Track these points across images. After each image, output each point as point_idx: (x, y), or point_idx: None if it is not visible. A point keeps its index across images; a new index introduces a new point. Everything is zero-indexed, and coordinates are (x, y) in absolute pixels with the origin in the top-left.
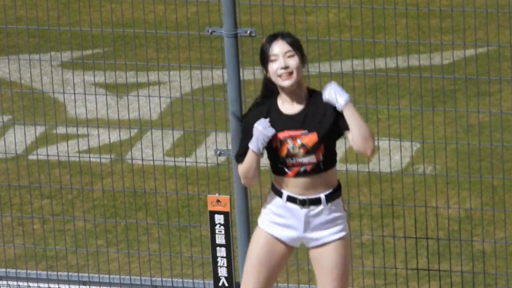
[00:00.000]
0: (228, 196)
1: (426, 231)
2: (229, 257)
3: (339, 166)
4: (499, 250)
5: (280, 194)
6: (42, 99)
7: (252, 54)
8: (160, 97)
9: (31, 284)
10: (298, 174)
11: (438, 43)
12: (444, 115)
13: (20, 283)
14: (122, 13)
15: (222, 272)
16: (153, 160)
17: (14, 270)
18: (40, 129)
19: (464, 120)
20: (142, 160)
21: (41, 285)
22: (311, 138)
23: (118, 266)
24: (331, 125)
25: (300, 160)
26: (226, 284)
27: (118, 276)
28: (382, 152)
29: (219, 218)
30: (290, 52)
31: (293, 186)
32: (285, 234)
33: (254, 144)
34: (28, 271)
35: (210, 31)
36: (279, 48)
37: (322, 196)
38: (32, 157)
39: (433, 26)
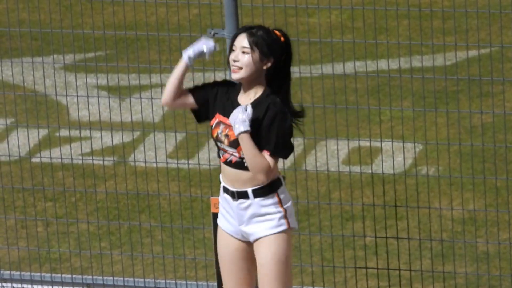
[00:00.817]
0: None
1: (430, 233)
2: None
3: (342, 168)
4: (503, 252)
5: (220, 183)
6: (45, 102)
7: None
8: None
9: (35, 287)
10: (226, 162)
11: (440, 44)
12: (447, 116)
13: (24, 286)
14: (124, 16)
15: None
16: (156, 162)
17: (18, 273)
18: (43, 132)
19: (467, 121)
20: (145, 162)
21: (45, 287)
22: (233, 133)
23: (121, 269)
24: (257, 131)
25: (226, 148)
26: None
27: (121, 278)
28: (385, 154)
29: None
30: (246, 49)
31: (226, 175)
32: (228, 227)
33: (188, 49)
34: (32, 274)
35: (212, 33)
36: (239, 41)
37: (249, 190)
38: (35, 159)
39: (435, 27)
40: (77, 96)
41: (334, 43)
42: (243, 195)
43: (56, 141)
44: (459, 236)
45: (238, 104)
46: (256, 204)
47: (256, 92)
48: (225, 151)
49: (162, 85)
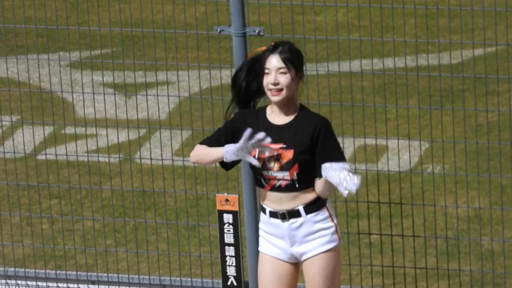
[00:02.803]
0: (237, 196)
1: (435, 231)
2: (237, 256)
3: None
4: (508, 249)
5: (264, 210)
6: (50, 99)
7: None
8: (168, 96)
9: (40, 284)
10: (273, 189)
11: (446, 43)
12: (453, 115)
13: (29, 283)
14: (131, 13)
15: (231, 271)
16: (162, 160)
17: (23, 270)
18: (48, 129)
19: (473, 120)
20: (151, 159)
21: (50, 284)
22: (287, 154)
23: (127, 266)
24: (311, 148)
25: (274, 174)
26: (235, 283)
27: (126, 276)
28: (391, 152)
29: (227, 217)
30: (283, 69)
31: (272, 200)
32: (278, 251)
33: (230, 152)
34: (37, 271)
35: (218, 30)
36: (274, 63)
37: (301, 207)
38: (41, 157)
39: (441, 25)
40: (83, 93)
41: (341, 41)
42: (294, 214)
43: (62, 138)
44: (464, 234)
45: (275, 126)
46: (309, 221)
47: (292, 110)
48: (272, 178)
49: (168, 83)
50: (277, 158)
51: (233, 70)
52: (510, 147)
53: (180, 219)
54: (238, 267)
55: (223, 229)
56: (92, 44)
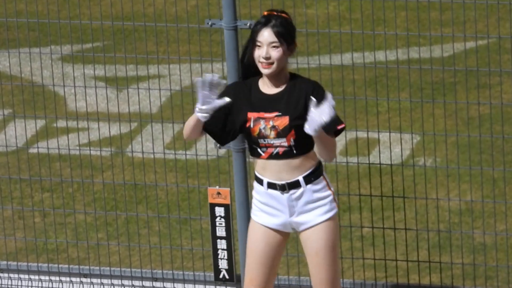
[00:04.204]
0: (229, 189)
1: (427, 224)
2: (229, 249)
3: (339, 159)
4: (500, 243)
5: (261, 182)
6: (42, 93)
7: None
8: (160, 90)
9: (32, 277)
10: (271, 157)
11: (438, 36)
12: (444, 108)
13: (21, 276)
14: (122, 7)
15: (223, 264)
16: (153, 153)
17: (15, 263)
18: (40, 123)
19: (464, 113)
20: (143, 153)
21: (42, 277)
22: (282, 121)
23: (119, 259)
24: (304, 114)
25: (271, 141)
26: (227, 276)
27: (118, 269)
28: (382, 145)
29: (219, 211)
30: (275, 43)
31: (270, 171)
32: (274, 221)
33: (198, 111)
34: (29, 264)
35: (210, 23)
36: (266, 36)
37: (300, 178)
38: (33, 150)
39: (433, 18)
40: (75, 87)
41: (332, 34)
42: (294, 185)
43: (54, 132)
44: (456, 227)
45: (265, 94)
46: (308, 190)
47: (283, 79)
48: (269, 146)
49: (159, 76)
50: (273, 126)
51: (225, 64)
52: (501, 140)
53: (171, 212)
54: (230, 260)
55: (215, 222)
56: (83, 37)
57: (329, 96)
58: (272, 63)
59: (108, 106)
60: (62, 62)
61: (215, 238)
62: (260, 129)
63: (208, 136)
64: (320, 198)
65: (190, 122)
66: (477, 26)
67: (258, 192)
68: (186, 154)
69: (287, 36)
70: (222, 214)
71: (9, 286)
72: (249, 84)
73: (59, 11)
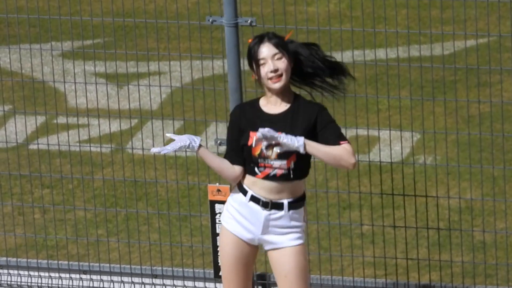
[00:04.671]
0: (229, 186)
1: (427, 222)
2: None
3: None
4: (499, 241)
5: (244, 192)
6: (42, 89)
7: None
8: (160, 87)
9: (31, 273)
10: (267, 177)
11: (438, 34)
12: (445, 106)
13: (21, 272)
14: (123, 3)
15: None
16: None
17: (15, 259)
18: (40, 119)
19: (464, 111)
20: (143, 150)
21: (42, 274)
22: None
23: (118, 256)
24: (309, 138)
25: (271, 162)
26: None
27: (118, 266)
28: (382, 143)
29: (219, 208)
30: (278, 55)
31: (259, 187)
32: (243, 234)
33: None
34: (29, 260)
35: (210, 20)
36: (267, 51)
37: (285, 202)
38: (33, 146)
39: (434, 16)
40: (75, 83)
41: (333, 32)
42: (277, 206)
43: (54, 128)
44: (456, 225)
45: (267, 114)
46: (288, 216)
47: (289, 97)
48: (268, 167)
49: (160, 73)
50: (275, 146)
51: (225, 61)
52: (501, 138)
53: (171, 209)
54: None
55: (214, 219)
56: (84, 34)
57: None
58: (281, 75)
59: (109, 103)
60: (62, 59)
61: (215, 235)
62: (262, 149)
63: (208, 133)
64: (295, 226)
65: (208, 165)
66: (477, 24)
67: (237, 201)
68: (186, 151)
69: (284, 45)
70: (222, 211)
71: (9, 282)
72: (252, 103)
73: (60, 7)
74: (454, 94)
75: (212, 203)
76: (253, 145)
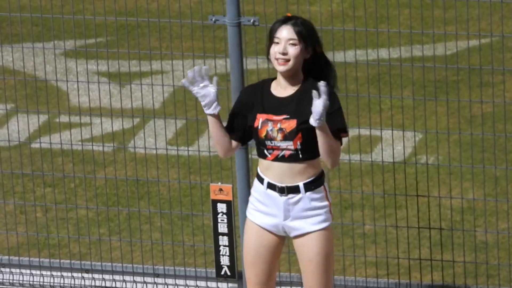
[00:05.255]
0: (231, 185)
1: (429, 222)
2: (231, 246)
3: (342, 156)
4: (501, 241)
5: (262, 181)
6: (45, 88)
7: (256, 43)
8: (163, 86)
9: (33, 272)
10: (276, 159)
11: (441, 34)
12: (447, 106)
13: (23, 271)
14: (125, 2)
15: (224, 260)
16: (156, 149)
17: (17, 258)
18: (43, 118)
19: (467, 111)
20: (145, 149)
21: (44, 272)
22: (290, 124)
23: (120, 255)
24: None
25: (278, 144)
26: (228, 273)
27: (120, 264)
28: (384, 142)
29: (221, 207)
30: (293, 40)
31: (273, 171)
32: (267, 222)
33: (204, 106)
34: (31, 259)
35: (213, 19)
36: (285, 33)
37: (301, 184)
38: (35, 145)
39: (436, 16)
40: (78, 82)
41: (335, 31)
42: (293, 190)
43: (56, 127)
44: (458, 225)
45: (275, 97)
46: (307, 198)
47: (298, 81)
48: (276, 148)
49: (162, 72)
50: (281, 128)
51: (228, 60)
52: (504, 138)
53: (173, 208)
54: (231, 256)
55: (216, 218)
56: (86, 33)
57: (324, 88)
58: (288, 60)
59: (111, 102)
60: (65, 57)
61: (217, 234)
62: (267, 131)
63: (210, 132)
64: (317, 207)
65: (211, 131)
66: (480, 25)
67: (257, 191)
68: (188, 150)
69: (306, 36)
70: (224, 211)
71: (11, 281)
72: (262, 85)
73: (62, 6)
74: (456, 94)
75: (214, 202)
76: (259, 127)
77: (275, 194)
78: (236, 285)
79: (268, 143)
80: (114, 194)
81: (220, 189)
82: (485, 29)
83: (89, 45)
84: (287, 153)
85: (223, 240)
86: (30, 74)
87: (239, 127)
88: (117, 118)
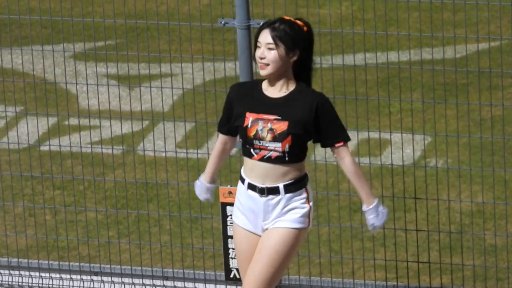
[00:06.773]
0: None
1: (438, 225)
2: None
3: None
4: (510, 244)
5: (243, 181)
6: (54, 90)
7: None
8: (172, 88)
9: (42, 274)
10: (262, 159)
11: (450, 37)
12: (457, 109)
13: (32, 273)
14: (135, 5)
15: (234, 263)
16: (165, 152)
17: (26, 260)
18: (52, 120)
19: (476, 114)
20: (154, 151)
21: (53, 275)
22: (280, 126)
23: (129, 257)
24: (306, 124)
25: (266, 144)
26: (238, 276)
27: (129, 267)
28: (394, 146)
29: (230, 210)
30: (271, 45)
31: (256, 172)
32: (246, 224)
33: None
34: (40, 261)
35: (223, 22)
36: (263, 37)
37: (281, 185)
38: (44, 148)
39: (446, 19)
40: (87, 84)
41: (344, 34)
42: (273, 191)
43: (65, 130)
44: (467, 228)
45: (269, 99)
46: (286, 199)
47: (287, 85)
48: (263, 148)
49: (172, 75)
50: (271, 129)
51: (237, 63)
52: None
53: (182, 211)
54: None
55: (226, 221)
56: (96, 35)
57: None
58: (267, 64)
59: (120, 104)
60: (74, 60)
61: (226, 237)
62: (257, 130)
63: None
64: (296, 207)
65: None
66: (490, 27)
67: (240, 192)
68: (197, 153)
69: (286, 40)
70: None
71: (20, 283)
72: (251, 85)
73: (72, 8)
74: (466, 97)
75: (223, 205)
76: (249, 126)
77: (255, 195)
78: None
79: (256, 142)
80: (123, 197)
81: (229, 192)
82: (494, 32)
83: (98, 47)
84: (274, 154)
85: (232, 243)
86: (39, 76)
87: (227, 122)
88: (126, 121)
